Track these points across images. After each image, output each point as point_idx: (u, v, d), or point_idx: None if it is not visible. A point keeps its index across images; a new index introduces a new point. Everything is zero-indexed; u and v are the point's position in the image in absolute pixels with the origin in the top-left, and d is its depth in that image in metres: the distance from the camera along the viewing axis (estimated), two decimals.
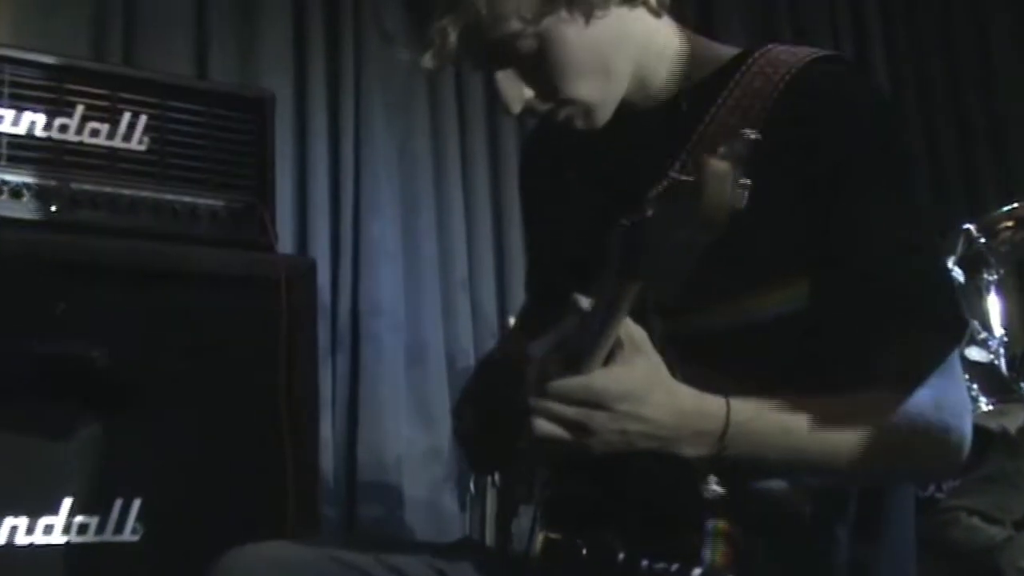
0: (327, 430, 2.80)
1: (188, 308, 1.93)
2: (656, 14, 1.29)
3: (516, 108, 1.26)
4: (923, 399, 1.16)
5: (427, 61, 1.22)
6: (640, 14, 1.28)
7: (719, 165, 0.93)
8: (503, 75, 1.24)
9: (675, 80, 1.30)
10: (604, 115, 1.27)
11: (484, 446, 1.37)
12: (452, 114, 3.24)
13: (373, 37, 3.12)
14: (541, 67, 1.22)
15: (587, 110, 1.26)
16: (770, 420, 1.14)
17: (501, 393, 1.30)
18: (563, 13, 1.20)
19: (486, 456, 1.39)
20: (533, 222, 1.54)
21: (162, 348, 1.89)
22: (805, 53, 1.25)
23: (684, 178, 0.94)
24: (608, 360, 1.09)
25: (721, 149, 0.95)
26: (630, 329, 1.09)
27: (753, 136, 0.96)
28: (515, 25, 1.19)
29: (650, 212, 0.98)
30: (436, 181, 3.19)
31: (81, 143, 1.96)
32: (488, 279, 3.20)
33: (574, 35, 1.21)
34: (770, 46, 1.27)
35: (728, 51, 1.31)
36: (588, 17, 1.21)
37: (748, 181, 0.94)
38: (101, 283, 1.87)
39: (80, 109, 1.96)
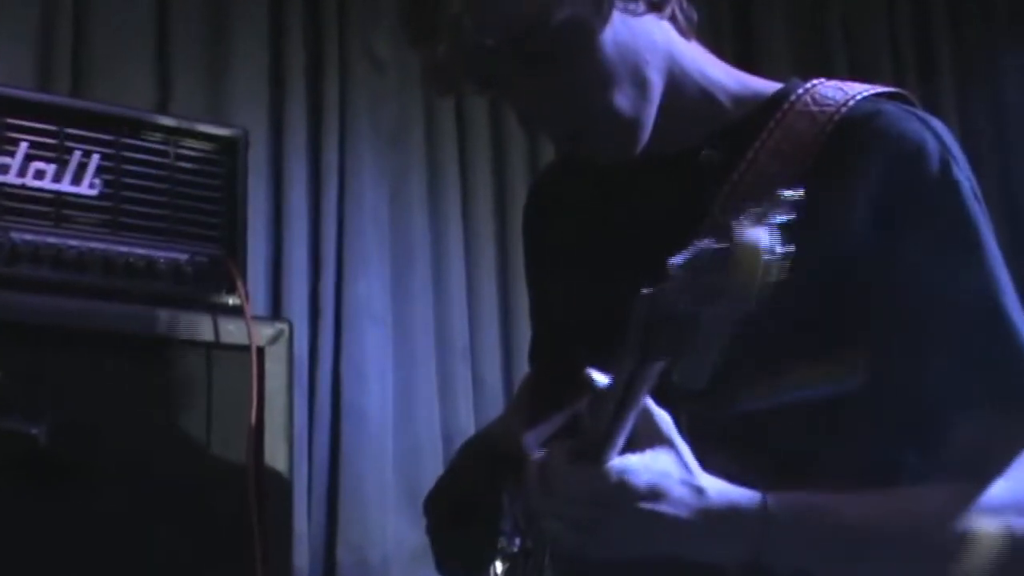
0: (302, 523, 2.80)
1: (144, 378, 1.95)
2: (685, 35, 1.31)
3: (537, 129, 1.27)
4: (1002, 497, 1.15)
5: (429, 81, 1.25)
6: (667, 29, 1.29)
7: (753, 232, 0.94)
8: (517, 91, 1.25)
9: (705, 118, 1.31)
10: (639, 139, 1.27)
11: (454, 547, 1.37)
12: (452, 154, 3.26)
13: (361, 65, 3.15)
14: (565, 74, 1.23)
15: (621, 130, 1.26)
16: (816, 521, 1.13)
17: (479, 483, 1.30)
18: (589, 7, 1.21)
19: (456, 558, 1.39)
20: (538, 281, 1.55)
21: (113, 424, 1.91)
22: (858, 89, 1.26)
23: (713, 245, 0.95)
24: (625, 449, 1.09)
25: (756, 210, 0.96)
26: (651, 413, 1.10)
27: (794, 197, 0.97)
28: (532, 22, 1.20)
29: (675, 281, 0.99)
30: (432, 232, 3.21)
31: (23, 186, 1.99)
32: (492, 346, 3.21)
33: (602, 34, 1.22)
34: (817, 81, 1.29)
35: (768, 86, 1.33)
36: (618, 12, 1.21)
37: (788, 249, 0.95)
38: (44, 349, 1.89)
39: (23, 147, 2.00)
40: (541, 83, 1.25)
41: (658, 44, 1.27)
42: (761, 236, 0.94)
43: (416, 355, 3.10)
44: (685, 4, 1.32)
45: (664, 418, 1.11)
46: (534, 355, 1.59)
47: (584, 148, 1.30)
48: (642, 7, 1.25)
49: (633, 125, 1.27)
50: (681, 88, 1.30)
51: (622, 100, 1.25)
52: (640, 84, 1.25)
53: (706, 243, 0.97)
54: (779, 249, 0.94)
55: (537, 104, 1.27)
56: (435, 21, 1.22)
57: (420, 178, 3.21)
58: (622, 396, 1.07)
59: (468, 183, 3.29)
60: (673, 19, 1.30)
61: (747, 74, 1.37)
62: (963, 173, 1.23)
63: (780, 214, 0.97)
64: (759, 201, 0.97)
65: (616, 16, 1.22)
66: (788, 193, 0.98)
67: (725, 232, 0.96)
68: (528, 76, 1.24)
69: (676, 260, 1.01)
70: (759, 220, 0.96)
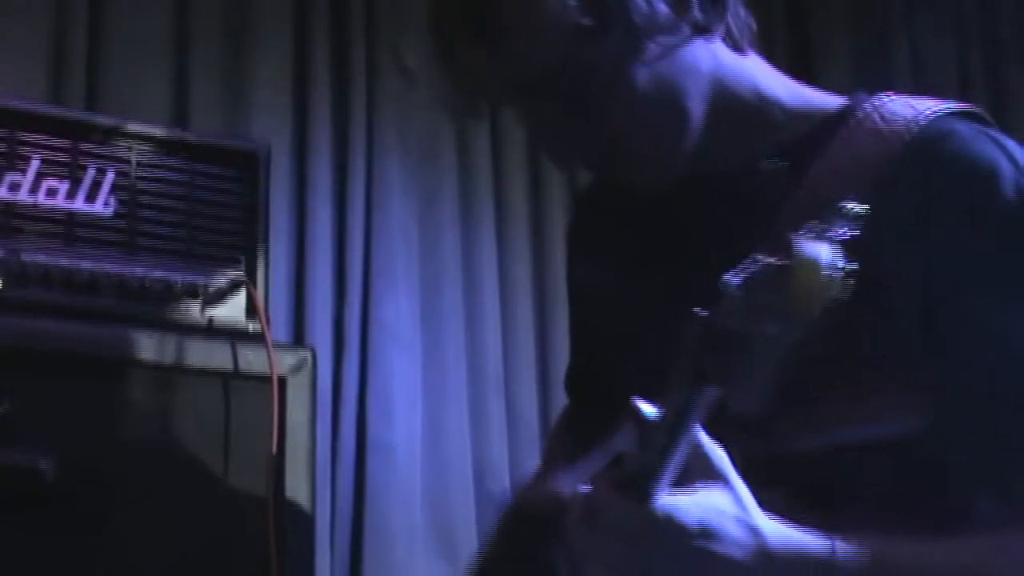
0: (324, 564, 2.80)
1: (158, 409, 1.97)
2: (739, 49, 1.32)
3: (566, 164, 1.29)
4: None
5: (456, 104, 1.26)
6: (719, 48, 1.30)
7: (813, 247, 0.95)
8: (548, 122, 1.27)
9: (762, 134, 1.31)
10: (670, 172, 1.29)
11: None
12: (485, 169, 3.28)
13: (390, 77, 3.17)
14: (596, 108, 1.25)
15: (654, 164, 1.28)
16: (889, 568, 1.14)
17: (528, 553, 1.30)
18: (620, 40, 1.23)
19: None
20: (581, 304, 1.55)
21: (125, 458, 1.92)
22: (928, 106, 1.26)
23: (771, 261, 0.96)
24: (676, 485, 1.09)
25: (816, 225, 0.96)
26: (704, 448, 1.10)
27: (858, 209, 0.97)
28: (559, 55, 1.21)
29: (729, 301, 0.99)
30: (464, 252, 3.22)
31: (35, 205, 2.01)
32: (528, 375, 3.22)
33: (635, 68, 1.23)
34: (884, 96, 1.29)
35: (830, 101, 1.33)
36: (655, 45, 1.23)
37: (851, 266, 0.95)
38: (54, 377, 1.91)
39: (35, 164, 2.02)
40: (569, 120, 1.26)
41: (702, 70, 1.28)
42: (822, 251, 0.94)
43: (446, 385, 3.10)
44: (742, 14, 1.32)
45: (719, 453, 1.11)
46: (572, 384, 1.59)
47: (618, 179, 1.31)
48: (685, 34, 1.25)
49: (667, 158, 1.28)
50: (732, 108, 1.31)
51: (656, 135, 1.26)
52: (677, 116, 1.26)
53: (763, 259, 0.97)
54: (841, 265, 0.94)
55: (566, 138, 1.28)
56: (461, 60, 1.24)
57: (451, 195, 3.22)
58: (672, 425, 1.07)
59: (503, 200, 3.30)
60: (726, 35, 1.30)
61: (808, 87, 1.37)
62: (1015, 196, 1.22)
63: (842, 229, 0.97)
64: (825, 214, 0.97)
65: (655, 49, 1.23)
66: (851, 206, 0.98)
67: (783, 247, 0.96)
68: (557, 112, 1.26)
69: (730, 277, 1.00)
70: (820, 235, 0.96)
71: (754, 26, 1.34)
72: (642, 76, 1.24)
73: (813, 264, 0.95)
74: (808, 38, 3.65)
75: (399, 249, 3.11)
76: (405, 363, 3.04)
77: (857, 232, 0.99)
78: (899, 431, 1.20)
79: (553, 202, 3.33)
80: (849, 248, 0.97)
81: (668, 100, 1.26)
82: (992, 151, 1.23)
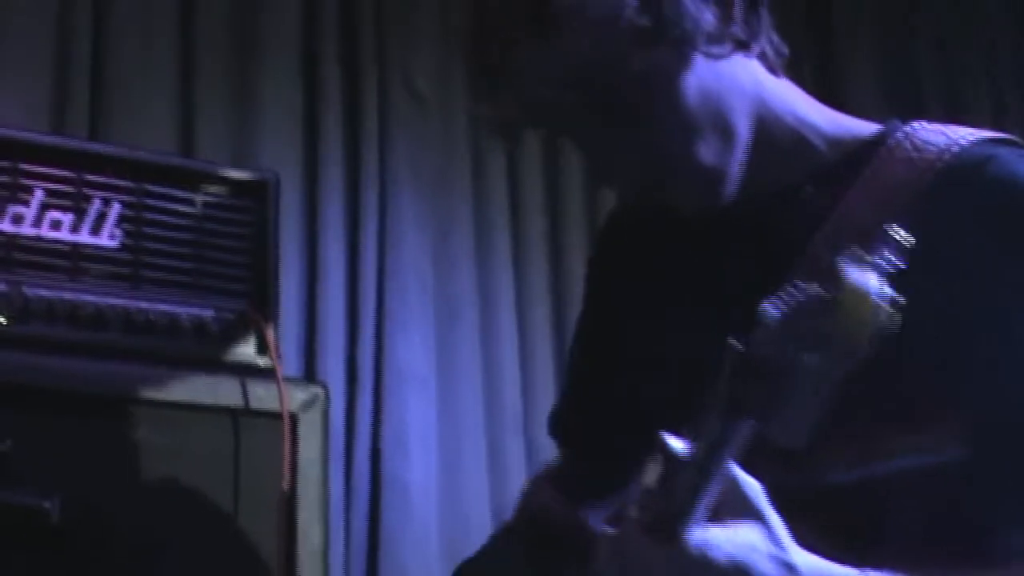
0: None
1: (165, 447, 1.97)
2: (774, 71, 1.33)
3: (612, 181, 1.29)
4: None
5: (493, 133, 1.26)
6: (755, 68, 1.31)
7: (861, 275, 0.94)
8: (599, 137, 1.27)
9: (800, 159, 1.33)
10: (724, 191, 1.29)
11: None
12: (502, 199, 3.28)
13: (402, 102, 3.18)
14: (644, 125, 1.25)
15: (704, 182, 1.28)
16: None
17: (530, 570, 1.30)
18: (673, 46, 1.24)
19: None
20: (600, 328, 1.55)
21: (131, 497, 1.92)
22: (963, 134, 1.27)
23: (815, 289, 0.95)
24: (707, 520, 1.09)
25: (860, 252, 0.96)
26: (738, 481, 1.10)
27: (905, 240, 0.97)
28: (614, 57, 1.22)
29: (768, 330, 0.99)
30: (480, 286, 3.22)
31: (38, 237, 2.02)
32: (546, 410, 3.17)
33: (685, 77, 1.25)
34: (918, 124, 1.30)
35: (864, 127, 1.34)
36: (702, 55, 1.24)
37: (901, 298, 0.95)
38: (58, 414, 1.91)
39: (38, 195, 2.03)
40: (618, 135, 1.27)
41: (745, 87, 1.29)
42: (870, 280, 0.94)
43: (463, 422, 3.10)
44: (775, 38, 1.34)
45: (753, 486, 1.11)
46: (562, 426, 1.59)
47: (665, 201, 1.32)
48: (728, 48, 1.27)
49: (717, 177, 1.29)
50: (771, 130, 1.32)
51: (706, 151, 1.27)
52: (725, 132, 1.28)
53: (805, 287, 0.97)
54: (889, 294, 0.94)
55: (614, 156, 1.29)
56: (499, 72, 1.25)
57: (466, 227, 3.23)
58: (705, 460, 1.07)
59: (520, 231, 3.30)
60: (762, 56, 1.32)
61: (841, 113, 1.38)
62: None
63: (889, 258, 0.97)
64: (864, 242, 0.97)
65: (700, 60, 1.25)
66: (899, 234, 0.98)
67: (827, 275, 0.96)
68: (603, 127, 1.27)
69: (770, 306, 1.00)
70: (864, 262, 0.96)
71: (786, 51, 1.35)
72: (691, 88, 1.25)
73: (862, 294, 0.94)
74: (834, 70, 3.66)
75: (413, 282, 3.11)
76: (420, 400, 3.04)
77: (903, 262, 0.98)
78: (935, 463, 1.20)
79: (573, 233, 3.33)
80: (896, 277, 0.97)
81: (716, 115, 1.27)
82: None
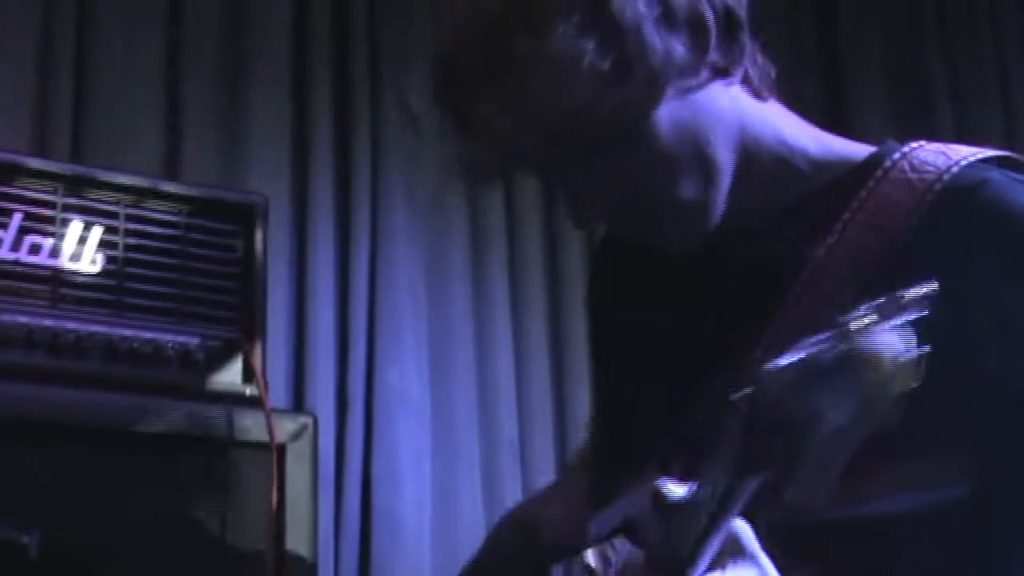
0: None
1: (149, 480, 1.97)
2: (759, 95, 1.33)
3: (588, 222, 1.29)
4: None
5: (467, 173, 1.27)
6: (737, 94, 1.32)
7: (887, 337, 0.93)
8: (569, 179, 1.28)
9: (787, 185, 1.32)
10: (705, 225, 1.30)
11: None
12: (498, 219, 3.29)
13: (394, 121, 3.19)
14: (618, 160, 1.26)
15: (685, 218, 1.29)
16: None
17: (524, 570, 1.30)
18: (642, 84, 1.24)
19: None
20: (603, 364, 1.55)
21: (114, 532, 1.92)
22: (963, 154, 1.27)
23: (834, 346, 0.94)
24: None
25: (881, 305, 0.95)
26: (740, 534, 1.10)
27: (928, 292, 0.96)
28: (578, 102, 1.23)
29: (781, 382, 0.98)
30: (475, 309, 3.23)
31: (16, 262, 2.02)
32: (545, 438, 3.22)
33: (657, 113, 1.25)
34: (916, 144, 1.30)
35: (857, 150, 1.34)
36: (675, 89, 1.25)
37: (925, 350, 0.94)
38: (37, 445, 1.91)
39: (16, 218, 2.03)
40: (591, 175, 1.27)
41: (725, 115, 1.29)
42: (897, 342, 0.93)
43: (457, 451, 3.10)
44: (760, 60, 1.34)
45: (745, 530, 1.12)
46: (598, 437, 1.59)
47: (645, 238, 1.32)
48: (705, 76, 1.27)
49: (698, 212, 1.29)
50: (755, 159, 1.32)
51: (684, 186, 1.27)
52: (704, 166, 1.28)
53: (823, 338, 0.96)
54: (915, 353, 0.93)
55: (589, 196, 1.29)
56: (465, 118, 1.25)
57: (461, 246, 3.24)
58: (715, 511, 1.07)
59: (516, 252, 3.31)
60: (745, 80, 1.32)
61: (835, 136, 1.38)
62: None
63: (911, 311, 0.96)
64: (886, 293, 0.97)
65: (674, 93, 1.25)
66: (923, 290, 0.97)
67: (846, 333, 0.95)
68: (576, 169, 1.27)
69: (783, 360, 0.99)
70: (884, 316, 0.95)
71: (773, 73, 1.35)
72: (666, 123, 1.25)
73: (890, 358, 0.93)
74: (843, 89, 3.67)
75: (406, 306, 3.11)
76: (413, 428, 3.04)
77: (926, 312, 0.98)
78: (940, 499, 1.20)
79: (571, 251, 3.33)
80: (922, 327, 0.97)
81: (694, 148, 1.27)
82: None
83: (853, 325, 0.94)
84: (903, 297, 0.96)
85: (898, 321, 0.95)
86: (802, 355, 0.95)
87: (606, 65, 1.22)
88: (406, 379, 3.07)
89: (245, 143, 3.02)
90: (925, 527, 1.21)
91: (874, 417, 0.93)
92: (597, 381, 1.61)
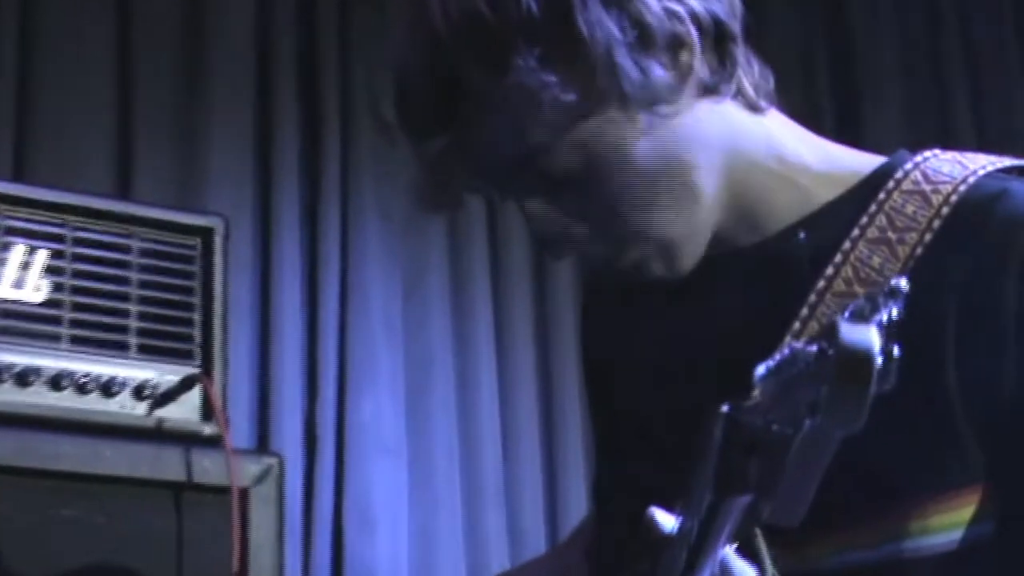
0: None
1: (100, 526, 1.98)
2: (755, 109, 1.35)
3: (562, 253, 1.31)
4: None
5: (429, 198, 1.29)
6: (730, 110, 1.33)
7: (860, 331, 0.96)
8: (539, 208, 1.29)
9: (788, 203, 1.34)
10: (692, 255, 1.31)
11: None
12: (480, 239, 3.29)
13: (367, 132, 3.19)
14: (593, 192, 1.27)
15: (666, 249, 1.30)
16: None
17: None
18: (614, 112, 1.26)
19: None
20: (602, 400, 1.57)
21: None
22: (980, 163, 1.28)
23: (810, 349, 0.97)
24: None
25: (859, 305, 0.98)
26: (731, 568, 1.11)
27: (904, 285, 0.99)
28: (545, 134, 1.24)
29: (761, 396, 1.01)
30: (456, 339, 3.23)
31: None
32: (532, 482, 3.22)
33: (634, 142, 1.27)
34: (930, 153, 1.31)
35: (865, 161, 1.35)
36: (651, 115, 1.27)
37: (897, 352, 0.97)
38: None
39: None
40: (564, 206, 1.29)
41: (711, 138, 1.30)
42: (871, 336, 0.96)
43: (437, 494, 3.10)
44: (756, 70, 1.35)
45: (746, 571, 1.13)
46: (597, 491, 1.61)
47: (623, 272, 1.33)
48: (690, 97, 1.28)
49: (679, 243, 1.30)
50: (749, 179, 1.33)
51: (664, 217, 1.28)
52: (686, 194, 1.29)
53: (799, 347, 0.98)
54: (891, 352, 0.95)
55: (561, 229, 1.30)
56: (426, 147, 1.27)
57: (440, 269, 3.24)
58: (697, 540, 1.08)
59: (500, 276, 3.31)
60: (738, 94, 1.32)
61: (843, 147, 1.40)
62: None
63: (889, 308, 0.99)
64: (862, 294, 0.99)
65: (652, 119, 1.26)
66: (898, 282, 0.99)
67: (823, 333, 0.97)
68: (546, 199, 1.29)
69: (762, 369, 1.02)
70: (863, 317, 0.97)
71: (771, 82, 1.36)
72: (642, 153, 1.26)
73: (862, 353, 0.95)
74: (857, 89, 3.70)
75: (379, 335, 3.12)
76: (388, 470, 3.04)
77: (903, 312, 1.00)
78: (951, 542, 1.21)
79: (560, 276, 3.34)
80: (897, 329, 0.99)
81: (675, 177, 1.28)
82: None
83: (828, 324, 0.96)
84: (880, 294, 0.98)
85: (875, 318, 0.97)
86: (780, 361, 0.97)
87: (571, 97, 1.23)
88: (380, 416, 3.07)
89: (204, 159, 3.02)
90: (943, 570, 1.22)
91: (851, 422, 0.95)
92: (597, 418, 1.62)
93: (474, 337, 3.24)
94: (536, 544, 3.15)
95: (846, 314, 0.97)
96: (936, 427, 1.21)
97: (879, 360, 0.94)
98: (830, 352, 0.96)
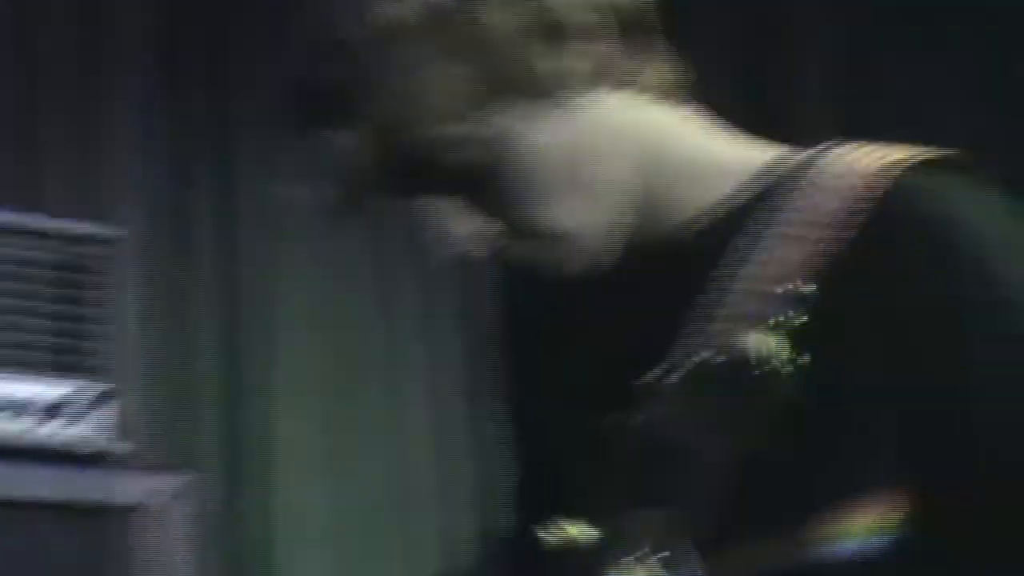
0: None
1: (8, 550, 1.97)
2: (662, 97, 1.34)
3: (463, 248, 1.31)
4: None
5: (336, 199, 1.29)
6: (638, 105, 1.33)
7: (761, 340, 0.96)
8: (438, 205, 1.29)
9: (693, 197, 1.33)
10: (598, 250, 1.31)
11: None
12: (406, 242, 3.29)
13: (286, 131, 3.17)
14: (498, 185, 1.27)
15: (572, 247, 1.30)
16: None
17: None
18: (517, 106, 1.27)
19: None
20: (506, 395, 1.57)
21: None
22: (893, 154, 1.29)
23: (711, 360, 0.97)
24: None
25: (764, 311, 0.98)
26: None
27: (808, 290, 0.99)
28: (446, 129, 1.24)
29: (664, 405, 1.01)
30: (386, 349, 3.23)
31: None
32: (466, 489, 3.22)
33: (538, 137, 1.27)
34: (847, 145, 1.30)
35: (783, 156, 1.35)
36: (559, 106, 1.27)
37: (804, 360, 0.97)
38: None
39: None
40: (469, 201, 1.29)
41: (618, 132, 1.30)
42: (770, 344, 0.96)
43: (366, 514, 3.10)
44: (664, 56, 1.35)
45: None
46: (506, 500, 1.61)
47: (530, 269, 1.33)
48: (599, 87, 1.28)
49: (587, 242, 1.30)
50: (658, 172, 1.33)
51: (568, 215, 1.29)
52: (593, 187, 1.29)
53: (701, 356, 0.98)
54: (794, 360, 0.96)
55: (458, 220, 1.30)
56: (333, 137, 1.27)
57: (368, 277, 3.23)
58: (601, 551, 1.08)
59: (429, 281, 3.32)
60: (651, 87, 1.33)
61: (761, 141, 1.40)
62: (1009, 270, 1.25)
63: (792, 315, 0.99)
64: (765, 300, 0.99)
65: (555, 112, 1.26)
66: (802, 288, 1.00)
67: (724, 341, 0.98)
68: (445, 196, 1.29)
69: (661, 377, 1.02)
70: (766, 324, 0.98)
71: (684, 70, 1.36)
72: (544, 144, 1.27)
73: (763, 360, 0.96)
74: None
75: (304, 342, 3.11)
76: (313, 484, 3.04)
77: (807, 317, 1.00)
78: (880, 547, 1.22)
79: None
80: (802, 335, 0.99)
81: (578, 173, 1.28)
82: (975, 206, 1.26)
83: (730, 332, 0.96)
84: (781, 298, 0.98)
85: (777, 324, 0.97)
86: (680, 370, 0.97)
87: (469, 90, 1.23)
88: (305, 428, 3.07)
89: (110, 168, 3.00)
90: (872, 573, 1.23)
91: (750, 436, 0.95)
92: (504, 424, 1.62)
93: (403, 347, 3.24)
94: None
95: (748, 319, 0.98)
96: (846, 433, 1.22)
97: (779, 369, 0.95)
98: (729, 360, 0.96)
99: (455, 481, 3.21)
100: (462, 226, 1.30)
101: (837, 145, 1.33)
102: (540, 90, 1.25)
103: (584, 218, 1.30)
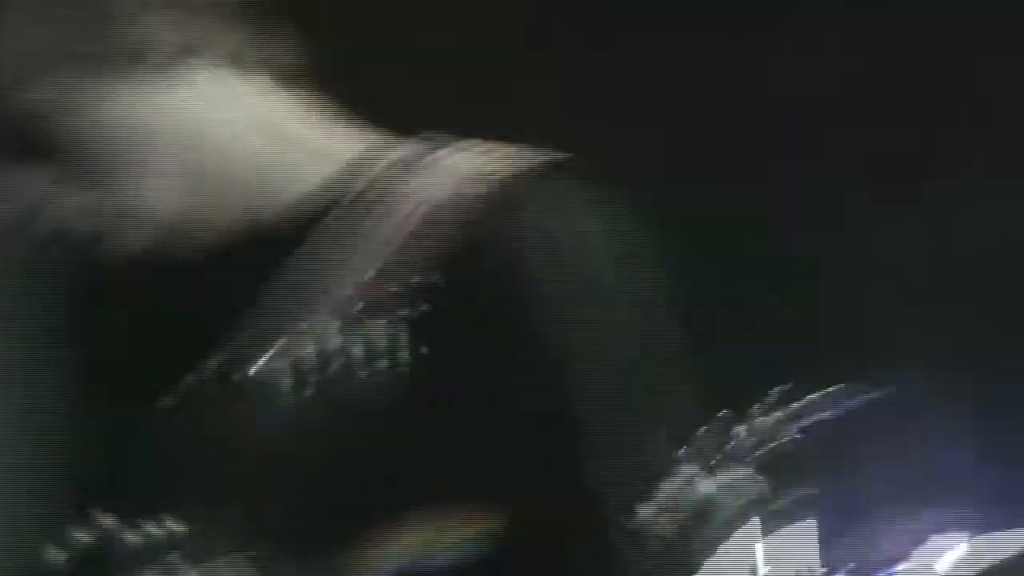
0: None
1: None
2: (279, 83, 1.33)
3: (48, 228, 1.29)
4: None
5: None
6: (237, 84, 1.28)
7: (378, 333, 0.95)
8: (27, 178, 1.27)
9: (296, 188, 1.27)
10: (179, 235, 1.26)
11: None
12: None
13: None
14: (61, 161, 1.24)
15: (154, 230, 1.26)
16: None
17: None
18: (90, 77, 1.23)
19: None
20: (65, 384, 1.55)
21: None
22: (509, 156, 1.28)
23: (224, 371, 0.96)
24: None
25: (378, 304, 0.98)
26: None
27: (428, 282, 0.99)
28: (23, 91, 1.22)
29: (217, 401, 1.01)
30: None
31: None
32: None
33: (117, 112, 1.24)
34: (457, 143, 1.30)
35: (377, 147, 1.28)
36: (125, 80, 1.24)
37: (423, 351, 0.96)
38: None
39: None
40: (29, 177, 1.28)
41: (176, 114, 1.26)
42: (388, 338, 0.95)
43: None
44: (286, 45, 1.31)
45: None
46: None
47: (97, 255, 1.31)
48: (172, 61, 1.25)
49: (160, 224, 1.27)
50: (220, 158, 1.28)
51: (137, 192, 1.26)
52: (142, 175, 1.26)
53: (216, 368, 0.98)
54: (414, 352, 0.95)
55: (38, 194, 1.29)
56: None
57: None
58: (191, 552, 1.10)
59: None
60: (257, 66, 1.29)
61: (353, 126, 1.35)
62: (630, 272, 1.27)
63: (410, 310, 0.99)
64: (379, 293, 0.98)
65: (111, 89, 1.24)
66: (419, 281, 0.99)
67: (290, 341, 0.97)
68: (31, 163, 1.27)
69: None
70: (382, 317, 0.97)
71: (268, 49, 1.32)
72: (114, 120, 1.24)
73: (380, 353, 0.96)
74: None
75: None
76: None
77: (424, 309, 1.00)
78: (462, 563, 1.23)
79: None
80: (417, 329, 0.99)
81: (148, 149, 1.25)
82: (578, 219, 1.27)
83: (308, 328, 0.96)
84: (399, 292, 0.98)
85: (390, 323, 0.97)
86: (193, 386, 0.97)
87: (49, 51, 1.21)
88: None
89: None
90: None
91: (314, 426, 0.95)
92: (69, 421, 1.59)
93: None
94: None
95: (350, 312, 0.97)
96: (447, 434, 1.22)
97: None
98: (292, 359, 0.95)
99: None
100: (46, 201, 1.28)
101: (447, 139, 1.32)
102: (123, 58, 1.23)
103: (166, 201, 1.27)
